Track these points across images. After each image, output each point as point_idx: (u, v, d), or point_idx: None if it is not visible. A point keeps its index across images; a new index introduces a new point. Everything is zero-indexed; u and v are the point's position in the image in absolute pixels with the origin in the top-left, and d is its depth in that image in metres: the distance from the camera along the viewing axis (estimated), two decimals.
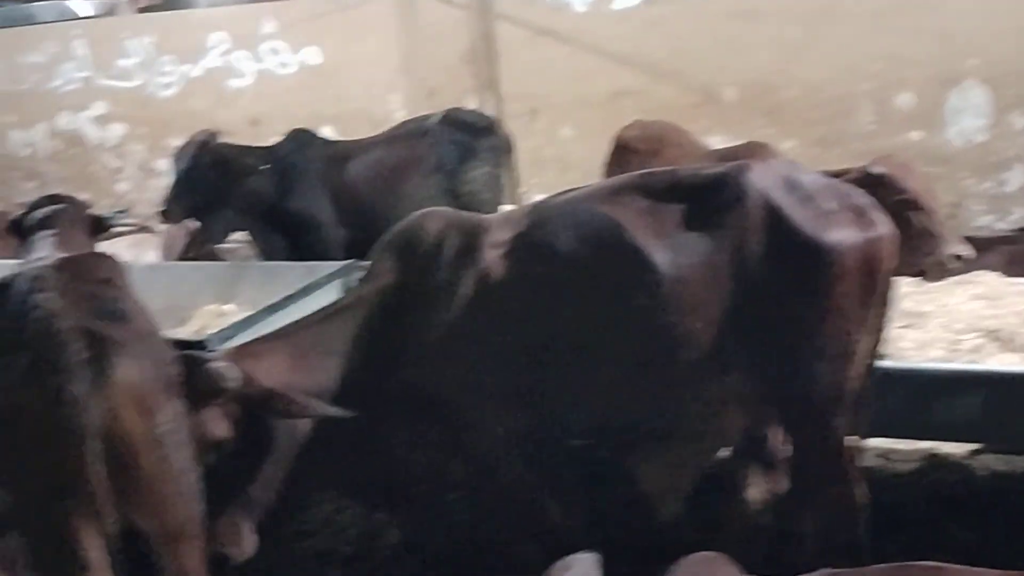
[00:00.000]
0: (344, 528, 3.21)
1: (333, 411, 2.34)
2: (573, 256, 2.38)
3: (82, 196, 7.38)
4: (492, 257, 2.43)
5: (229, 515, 2.27)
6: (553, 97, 5.80)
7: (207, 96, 6.73)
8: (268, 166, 4.37)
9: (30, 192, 7.54)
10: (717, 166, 2.54)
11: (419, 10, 6.03)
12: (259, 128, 6.30)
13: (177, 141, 6.97)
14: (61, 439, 1.79)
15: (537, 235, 2.47)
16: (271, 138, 5.14)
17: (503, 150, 4.66)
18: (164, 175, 7.08)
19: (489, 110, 5.65)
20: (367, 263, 2.75)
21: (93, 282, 2.09)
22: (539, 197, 3.02)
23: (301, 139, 4.64)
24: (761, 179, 2.32)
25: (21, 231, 2.92)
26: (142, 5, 6.91)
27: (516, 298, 2.43)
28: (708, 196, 2.37)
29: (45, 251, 2.62)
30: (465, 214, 2.72)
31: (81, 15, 7.15)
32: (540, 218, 2.50)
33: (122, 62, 6.85)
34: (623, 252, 2.33)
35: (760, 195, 2.28)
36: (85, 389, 1.81)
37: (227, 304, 3.77)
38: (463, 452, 2.55)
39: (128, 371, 1.90)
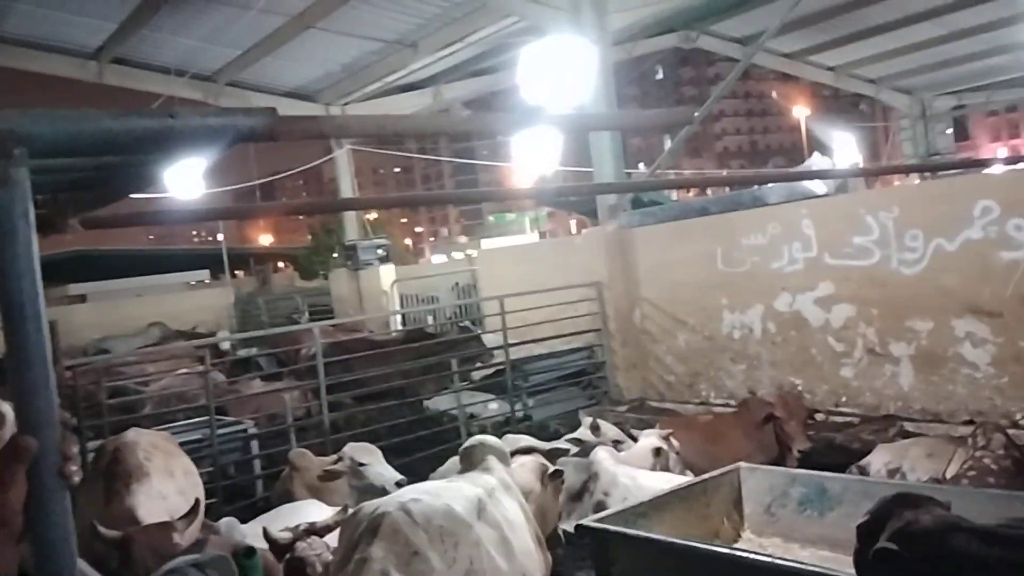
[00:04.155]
0: None
1: None
2: None
3: (796, 380, 7.02)
4: None
5: None
6: None
7: (964, 272, 5.82)
8: None
9: (737, 374, 7.39)
10: None
11: None
12: None
13: (917, 324, 6.18)
14: None
15: None
16: None
17: None
18: (895, 360, 6.28)
19: None
20: None
21: None
22: None
23: None
24: None
25: None
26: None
27: None
28: None
29: None
30: None
31: (817, 193, 7.02)
32: None
33: (857, 239, 6.36)
34: None
35: None
36: None
37: None
38: None
39: None
